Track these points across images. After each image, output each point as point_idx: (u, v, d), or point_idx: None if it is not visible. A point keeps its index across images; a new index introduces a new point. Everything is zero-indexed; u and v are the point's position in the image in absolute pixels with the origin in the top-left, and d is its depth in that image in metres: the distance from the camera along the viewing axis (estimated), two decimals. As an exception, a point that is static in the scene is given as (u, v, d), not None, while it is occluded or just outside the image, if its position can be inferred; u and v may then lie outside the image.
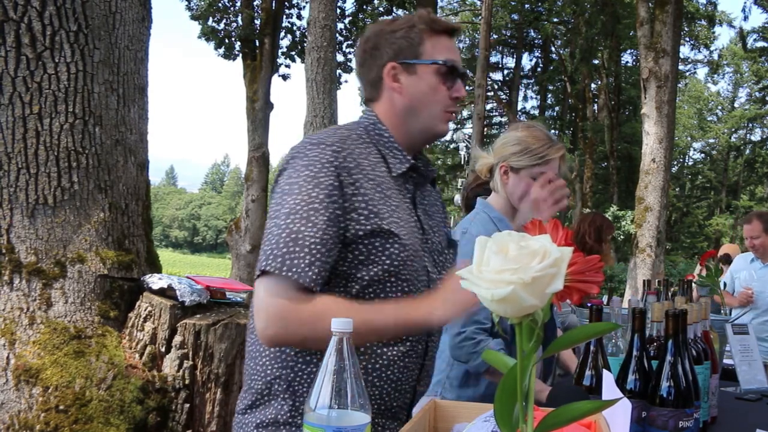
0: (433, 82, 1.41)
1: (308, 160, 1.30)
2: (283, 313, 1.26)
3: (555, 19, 24.84)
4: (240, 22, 16.43)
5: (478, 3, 25.16)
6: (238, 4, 16.58)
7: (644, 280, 3.10)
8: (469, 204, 2.40)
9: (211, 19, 16.42)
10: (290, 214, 1.26)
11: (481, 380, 2.08)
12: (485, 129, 18.08)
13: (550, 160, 2.04)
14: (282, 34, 16.44)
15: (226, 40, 16.42)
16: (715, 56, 30.51)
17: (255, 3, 16.45)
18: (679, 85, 26.14)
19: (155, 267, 3.49)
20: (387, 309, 1.32)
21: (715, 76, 34.03)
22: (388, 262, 1.32)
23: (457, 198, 19.02)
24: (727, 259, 5.78)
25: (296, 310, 1.26)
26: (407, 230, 1.37)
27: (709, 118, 37.10)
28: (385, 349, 1.37)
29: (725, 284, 4.48)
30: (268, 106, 14.80)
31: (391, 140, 1.42)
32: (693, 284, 3.29)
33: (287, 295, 1.25)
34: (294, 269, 1.24)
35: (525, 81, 29.02)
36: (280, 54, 16.48)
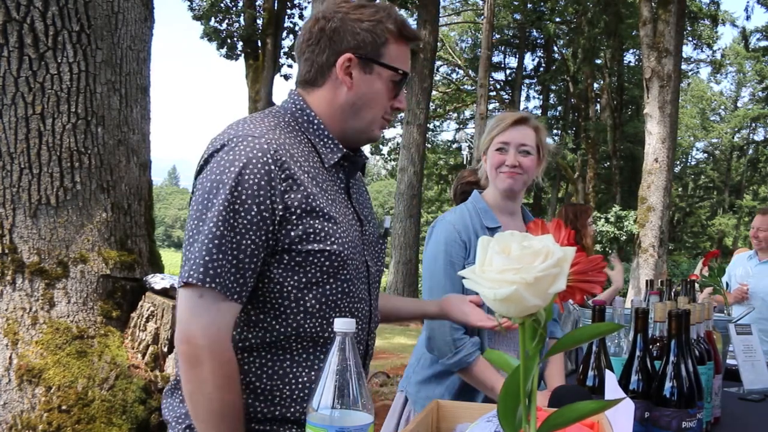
0: (384, 87, 1.34)
1: (233, 155, 1.20)
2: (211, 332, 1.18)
3: (557, 19, 24.80)
4: (242, 23, 16.47)
5: (481, 3, 25.16)
6: (240, 4, 16.62)
7: (647, 280, 3.09)
8: (458, 197, 2.43)
9: (213, 19, 16.46)
10: (214, 218, 1.17)
11: (443, 380, 2.05)
12: (487, 129, 18.06)
13: (505, 128, 2.06)
14: (284, 34, 16.48)
15: (229, 41, 16.46)
16: (718, 56, 30.43)
17: (257, 3, 16.49)
18: (682, 85, 26.10)
19: (157, 267, 3.49)
20: None
21: (718, 75, 34.00)
22: (327, 263, 1.25)
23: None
24: None
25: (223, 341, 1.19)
26: (346, 225, 1.30)
27: (711, 118, 37.01)
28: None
29: (728, 284, 4.48)
30: (271, 106, 14.81)
31: (321, 128, 1.34)
32: (696, 284, 3.28)
33: (215, 309, 1.18)
34: (218, 279, 1.17)
35: (527, 81, 28.98)
36: (282, 54, 16.52)
